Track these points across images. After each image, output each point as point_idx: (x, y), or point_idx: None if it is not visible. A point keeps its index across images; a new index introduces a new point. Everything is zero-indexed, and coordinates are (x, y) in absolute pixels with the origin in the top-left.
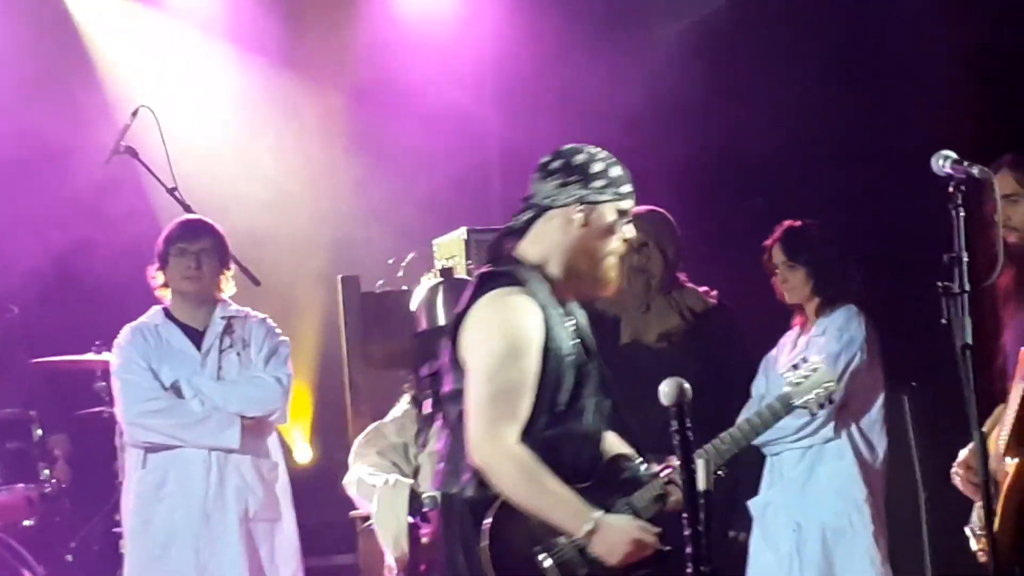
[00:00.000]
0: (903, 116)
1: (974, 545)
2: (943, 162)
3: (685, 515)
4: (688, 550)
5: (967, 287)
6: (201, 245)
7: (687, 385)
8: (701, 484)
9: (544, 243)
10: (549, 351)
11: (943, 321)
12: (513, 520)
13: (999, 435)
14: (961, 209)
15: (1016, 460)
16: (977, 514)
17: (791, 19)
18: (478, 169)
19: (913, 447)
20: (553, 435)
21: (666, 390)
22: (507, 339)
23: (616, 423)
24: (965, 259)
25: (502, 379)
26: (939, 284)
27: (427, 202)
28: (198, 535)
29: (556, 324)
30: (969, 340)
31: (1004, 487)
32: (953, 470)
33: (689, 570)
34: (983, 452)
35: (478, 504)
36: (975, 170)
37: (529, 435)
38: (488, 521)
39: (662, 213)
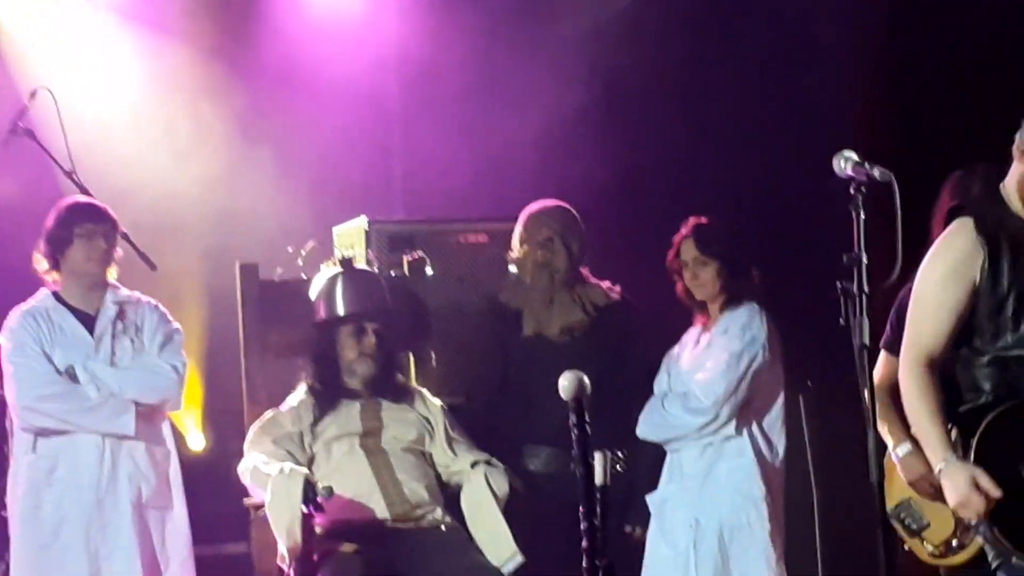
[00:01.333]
0: (803, 116)
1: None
2: (844, 163)
3: (582, 509)
4: (584, 544)
5: (866, 288)
6: (106, 227)
7: (586, 379)
8: (599, 478)
9: (1011, 173)
10: (996, 277)
11: (841, 322)
12: (998, 437)
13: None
14: (862, 210)
15: None
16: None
17: (694, 18)
18: (380, 158)
19: (808, 447)
20: (1007, 355)
21: (565, 384)
22: (934, 268)
23: (519, 415)
24: (865, 261)
25: (921, 304)
26: (839, 285)
27: (328, 190)
28: (89, 521)
29: (1008, 252)
30: (867, 341)
31: None
32: None
33: (584, 564)
34: (878, 452)
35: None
36: (876, 172)
37: (982, 354)
38: (975, 438)
39: (567, 209)
